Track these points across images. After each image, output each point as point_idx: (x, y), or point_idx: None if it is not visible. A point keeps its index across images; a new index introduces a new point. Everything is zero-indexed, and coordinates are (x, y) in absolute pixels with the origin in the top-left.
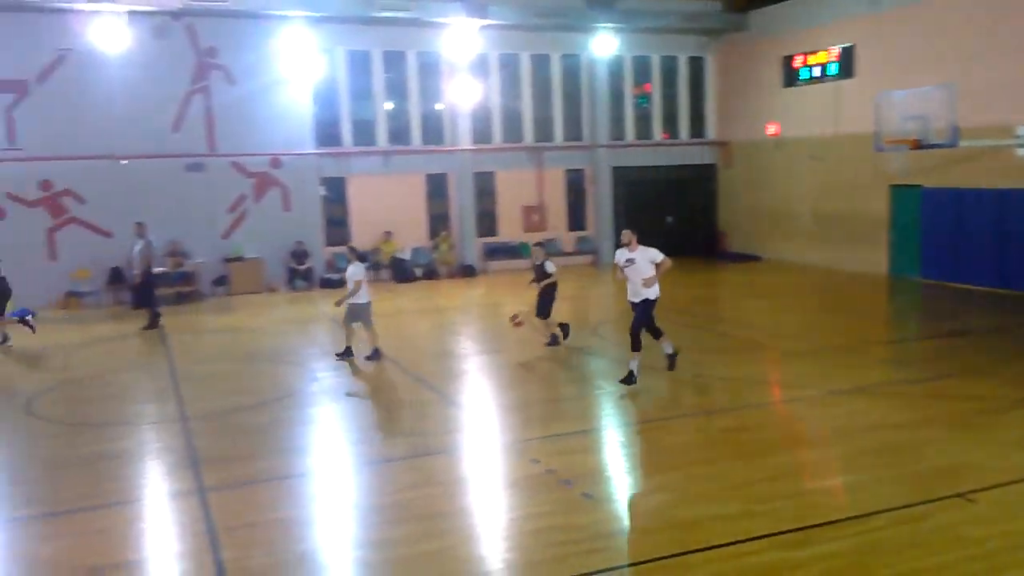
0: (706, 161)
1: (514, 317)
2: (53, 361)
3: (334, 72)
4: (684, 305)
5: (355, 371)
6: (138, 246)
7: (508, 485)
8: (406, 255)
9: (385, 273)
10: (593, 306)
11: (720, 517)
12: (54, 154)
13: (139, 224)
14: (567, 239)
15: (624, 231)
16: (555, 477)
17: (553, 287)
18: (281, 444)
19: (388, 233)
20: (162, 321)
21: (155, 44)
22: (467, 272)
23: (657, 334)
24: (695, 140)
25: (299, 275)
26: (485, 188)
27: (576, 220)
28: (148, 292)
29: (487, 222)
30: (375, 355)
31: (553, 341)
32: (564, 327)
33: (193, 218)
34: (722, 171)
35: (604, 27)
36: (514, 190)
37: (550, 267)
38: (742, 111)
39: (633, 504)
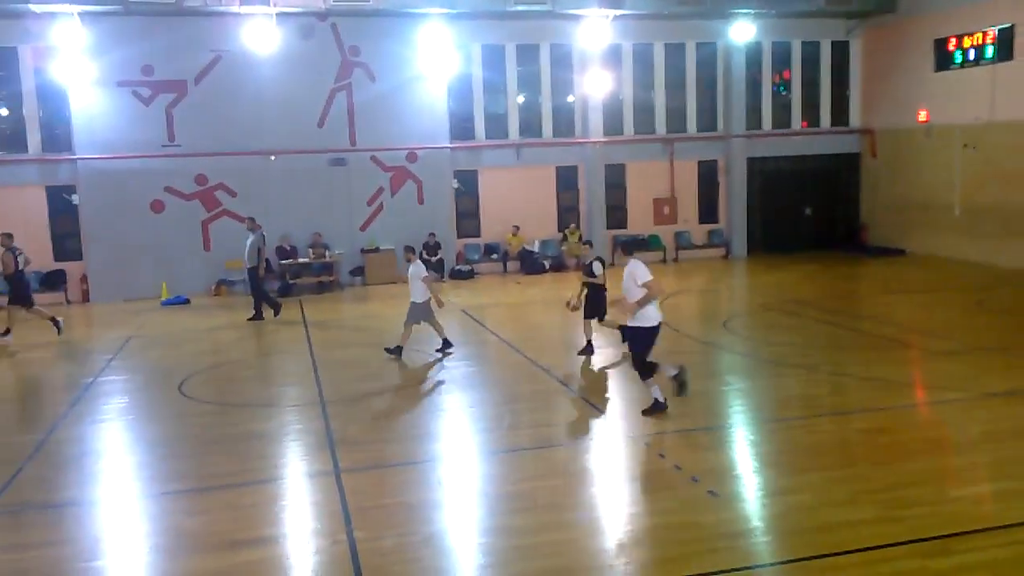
0: (848, 150)
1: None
2: (203, 345)
3: (468, 67)
4: (822, 300)
5: (483, 362)
6: (250, 240)
7: (632, 479)
8: (535, 247)
9: (513, 265)
10: (724, 300)
11: (855, 522)
12: (208, 150)
13: (251, 219)
14: (698, 232)
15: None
16: (681, 473)
17: (600, 289)
18: (411, 430)
19: (516, 228)
20: (274, 314)
21: (302, 44)
22: None
23: (645, 372)
24: (837, 128)
25: (431, 267)
26: (615, 180)
27: (708, 212)
28: (257, 284)
29: (617, 214)
30: (446, 345)
31: (587, 349)
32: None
33: (334, 211)
34: (866, 160)
35: (743, 13)
36: (645, 182)
37: (597, 268)
38: (889, 97)
39: (762, 505)
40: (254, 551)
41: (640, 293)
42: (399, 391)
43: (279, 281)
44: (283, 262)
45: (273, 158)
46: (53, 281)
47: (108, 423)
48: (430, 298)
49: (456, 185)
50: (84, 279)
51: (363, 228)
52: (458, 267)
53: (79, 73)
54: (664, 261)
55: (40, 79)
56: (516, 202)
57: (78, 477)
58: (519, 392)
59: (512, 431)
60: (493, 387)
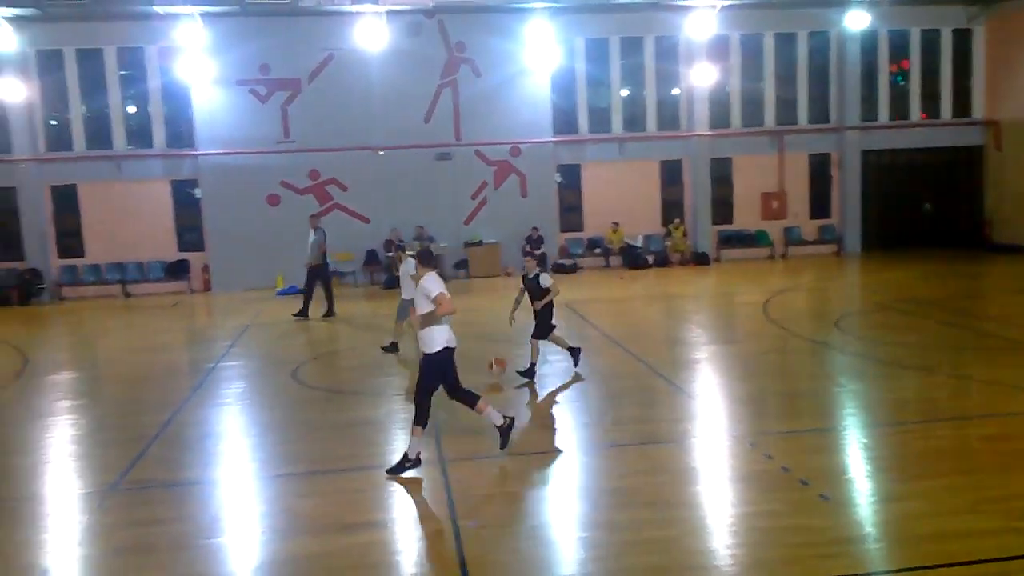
0: (971, 142)
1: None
2: (315, 334)
3: (572, 61)
4: (942, 299)
5: (584, 356)
6: (312, 237)
7: (738, 479)
8: (638, 242)
9: (615, 260)
10: (835, 298)
11: (975, 532)
12: (321, 146)
13: (313, 216)
14: (808, 227)
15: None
16: (790, 475)
17: (550, 305)
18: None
19: (616, 224)
20: (327, 313)
21: (409, 41)
22: (700, 260)
23: (469, 399)
24: (959, 120)
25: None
26: (722, 174)
27: (819, 207)
28: (313, 281)
29: (723, 209)
30: (393, 348)
31: (530, 372)
32: (574, 352)
33: (438, 205)
34: (990, 153)
35: (858, 1)
36: (752, 176)
37: (545, 281)
38: (1015, 87)
39: (876, 510)
40: (363, 534)
41: (425, 306)
42: (502, 384)
43: (387, 273)
44: (390, 255)
45: (381, 153)
46: (177, 271)
47: (227, 407)
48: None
49: (559, 179)
50: (206, 269)
51: (467, 222)
52: (560, 261)
53: (201, 72)
54: (771, 257)
55: (165, 78)
56: (619, 196)
57: (199, 457)
58: (622, 387)
59: (615, 426)
60: (595, 382)
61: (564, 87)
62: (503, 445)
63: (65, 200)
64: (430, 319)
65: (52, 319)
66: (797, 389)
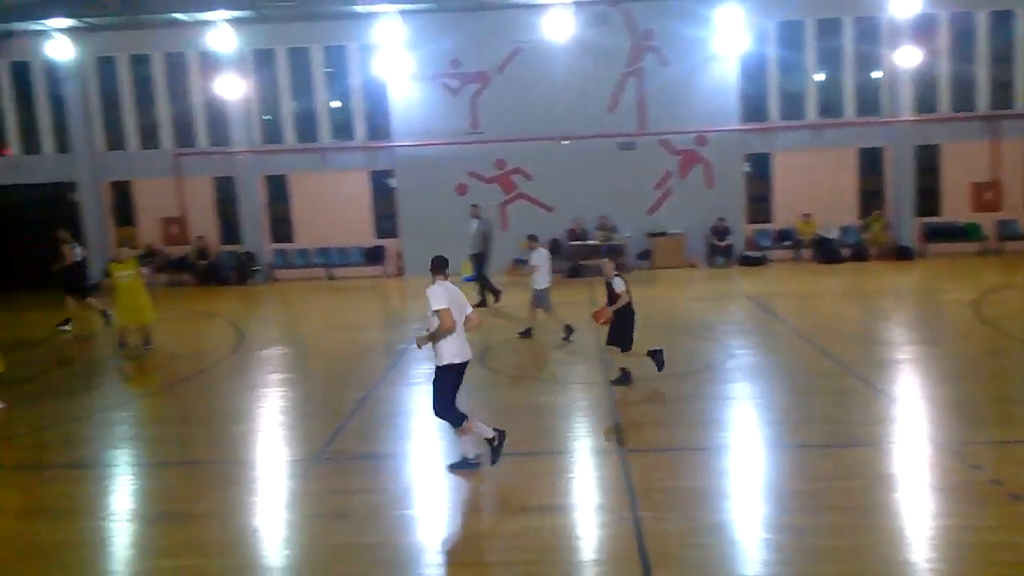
0: None
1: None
2: (500, 319)
3: (762, 45)
4: None
5: (771, 352)
6: (474, 226)
7: (940, 489)
8: (832, 234)
9: (806, 253)
10: None
11: None
12: (507, 136)
13: (475, 206)
14: None
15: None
16: (1001, 489)
17: (625, 310)
18: (696, 416)
19: (807, 215)
20: (495, 300)
21: (595, 31)
22: (902, 254)
23: (449, 420)
24: None
25: (719, 252)
26: (928, 162)
27: None
28: (481, 269)
29: (928, 200)
30: (567, 333)
31: (624, 378)
32: (656, 355)
33: (622, 194)
34: None
35: None
36: (963, 164)
37: (619, 285)
38: None
39: None
40: (542, 518)
41: (435, 323)
42: (685, 377)
43: (568, 263)
44: (573, 244)
45: (565, 143)
46: (374, 256)
47: (417, 386)
48: (548, 287)
49: (747, 168)
50: (399, 255)
51: (651, 212)
52: (747, 253)
53: (397, 67)
54: (984, 252)
55: (365, 74)
56: (812, 186)
57: (392, 433)
58: (811, 385)
59: (803, 426)
60: (782, 378)
61: (754, 73)
62: (494, 461)
63: (277, 189)
64: (436, 335)
65: (265, 298)
66: (1011, 396)
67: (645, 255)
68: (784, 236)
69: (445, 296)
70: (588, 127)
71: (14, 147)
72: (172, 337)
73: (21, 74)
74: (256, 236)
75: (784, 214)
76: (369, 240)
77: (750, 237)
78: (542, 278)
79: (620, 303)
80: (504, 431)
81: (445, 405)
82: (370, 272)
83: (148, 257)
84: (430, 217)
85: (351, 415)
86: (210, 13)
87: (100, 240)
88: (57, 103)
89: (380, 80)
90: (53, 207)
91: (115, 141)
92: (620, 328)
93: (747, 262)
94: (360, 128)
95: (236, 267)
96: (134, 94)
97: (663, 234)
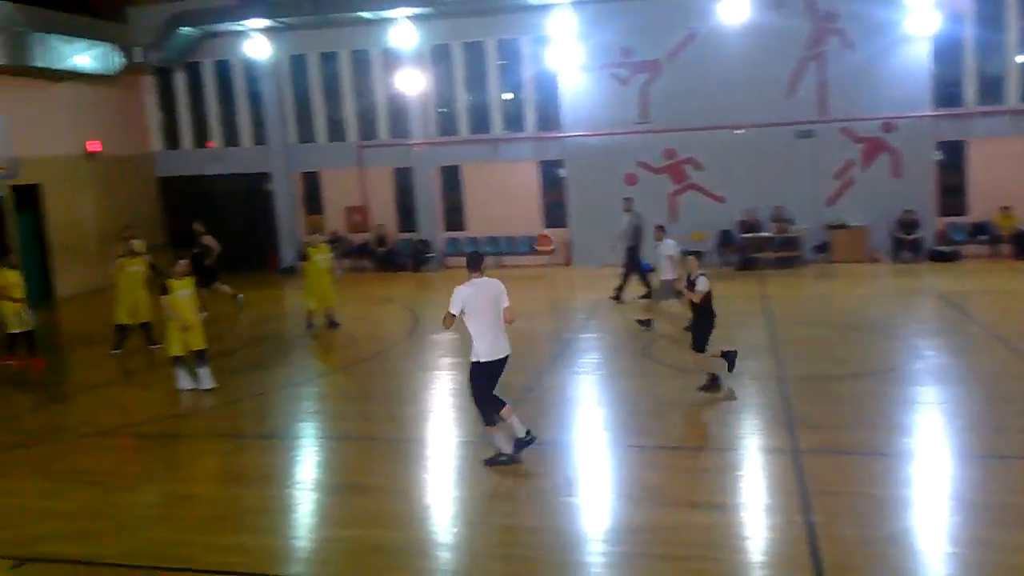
0: None
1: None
2: (666, 312)
3: (958, 25)
4: None
5: (963, 354)
6: (626, 220)
7: None
8: None
9: (1005, 249)
10: None
11: None
12: (677, 126)
13: (627, 199)
14: None
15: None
16: None
17: (704, 311)
18: (878, 418)
19: (1006, 208)
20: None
21: (772, 15)
22: None
23: (482, 415)
24: None
25: (905, 246)
26: None
27: None
28: (634, 263)
29: None
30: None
31: (713, 384)
32: (728, 355)
33: (798, 184)
34: None
35: None
36: None
37: (702, 284)
38: None
39: None
40: (709, 515)
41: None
42: (866, 377)
43: (739, 255)
44: (745, 236)
45: (739, 132)
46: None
47: (583, 376)
48: (673, 278)
49: (938, 157)
50: (568, 245)
51: (830, 203)
52: (938, 248)
53: (568, 59)
54: None
55: (536, 66)
56: (1012, 176)
57: (557, 420)
58: (1006, 391)
59: (996, 435)
60: (975, 383)
61: (947, 54)
62: (515, 458)
63: (451, 179)
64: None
65: (437, 285)
66: None
67: (822, 248)
68: (980, 230)
69: (462, 298)
70: (763, 115)
71: (217, 140)
72: (353, 320)
73: (223, 72)
74: (431, 224)
75: (980, 206)
76: (537, 230)
77: (941, 231)
78: (670, 269)
79: (697, 300)
80: (533, 437)
81: (481, 398)
82: (538, 261)
83: (333, 243)
84: (599, 207)
85: (518, 400)
86: (393, 11)
87: (290, 226)
88: (255, 99)
89: (551, 71)
90: (250, 196)
91: (305, 134)
92: (697, 329)
93: (937, 257)
94: (531, 119)
95: (412, 254)
96: (323, 90)
97: (843, 226)
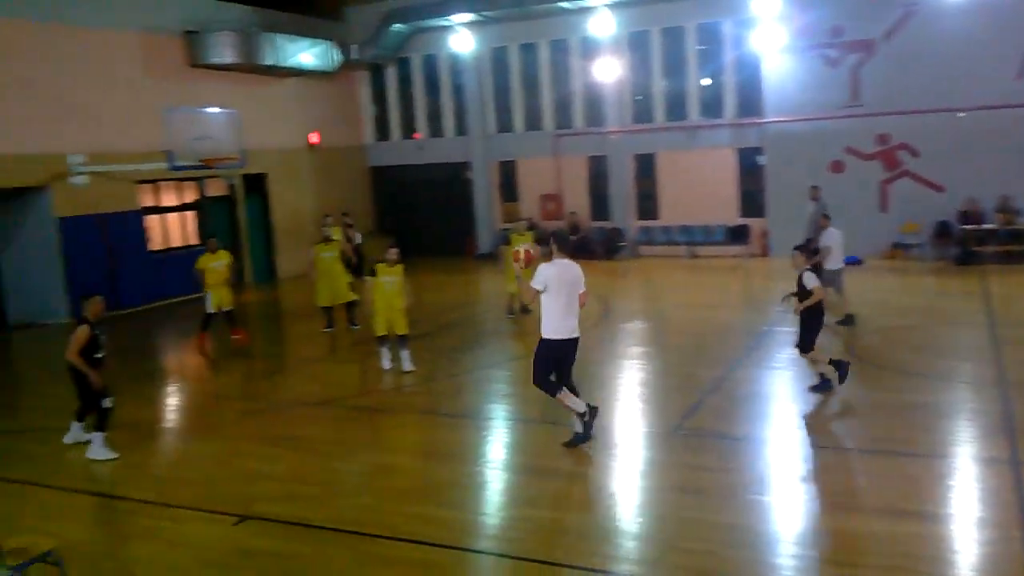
0: None
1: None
2: (873, 308)
3: None
4: None
5: None
6: (811, 209)
7: None
8: None
9: None
10: None
11: None
12: (892, 109)
13: (815, 187)
14: None
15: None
16: None
17: (814, 310)
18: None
19: None
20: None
21: None
22: None
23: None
24: None
25: None
26: None
27: None
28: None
29: None
30: (847, 321)
31: (822, 385)
32: (840, 365)
33: None
34: None
35: None
36: None
37: (809, 280)
38: None
39: None
40: (915, 524)
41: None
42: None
43: (959, 248)
44: (965, 227)
45: (962, 115)
46: (737, 235)
47: (780, 371)
48: (842, 267)
49: None
50: (764, 234)
51: None
52: None
53: (772, 40)
54: None
55: (738, 50)
56: None
57: (750, 415)
58: None
59: None
60: None
61: None
62: (585, 438)
63: (645, 167)
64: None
65: (629, 273)
66: None
67: None
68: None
69: (545, 277)
70: (989, 96)
71: (423, 131)
72: None
73: (429, 66)
74: (624, 213)
75: None
76: (733, 219)
77: None
78: (835, 258)
79: (811, 301)
80: (595, 408)
81: (538, 375)
82: (733, 251)
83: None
84: (799, 196)
85: (709, 392)
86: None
87: (487, 214)
88: (457, 91)
89: (753, 55)
90: (450, 184)
91: (504, 124)
92: (804, 328)
93: None
94: (729, 105)
95: (604, 242)
96: (522, 80)
97: None
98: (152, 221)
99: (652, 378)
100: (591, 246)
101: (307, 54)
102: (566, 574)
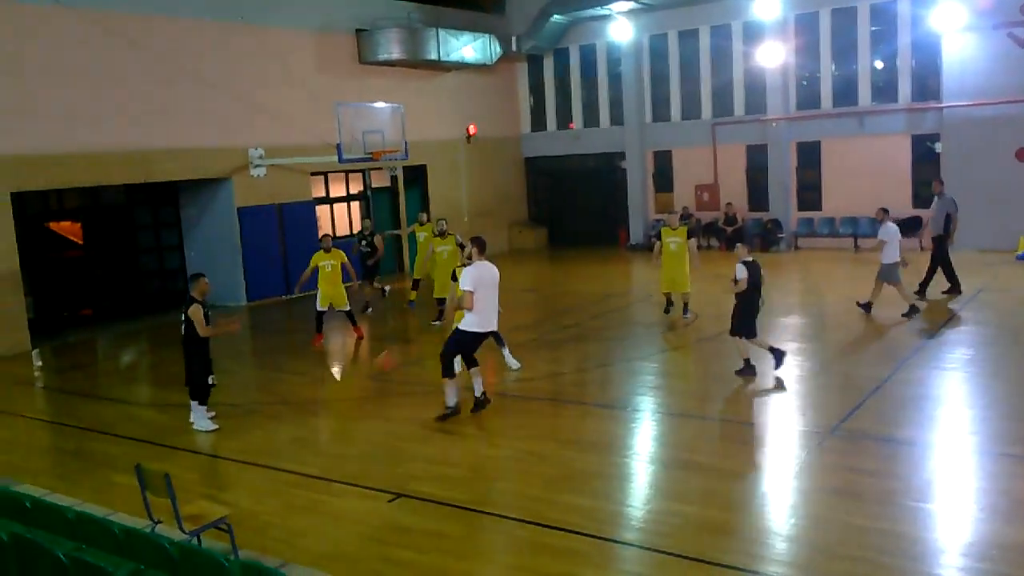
0: None
1: None
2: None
3: None
4: None
5: None
6: (934, 204)
7: None
8: None
9: None
10: None
11: None
12: None
13: (938, 181)
14: None
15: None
16: None
17: (745, 295)
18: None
19: None
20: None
21: None
22: None
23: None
24: None
25: None
26: None
27: None
28: (941, 254)
29: None
30: (911, 312)
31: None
32: (777, 353)
33: None
34: None
35: None
36: None
37: (739, 272)
38: None
39: None
40: None
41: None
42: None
43: None
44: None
45: None
46: (909, 227)
47: (950, 372)
48: (897, 261)
49: None
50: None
51: None
52: None
53: (954, 20)
54: None
55: (915, 31)
56: None
57: (915, 418)
58: None
59: None
60: None
61: None
62: (455, 413)
63: (808, 156)
64: (451, 307)
65: (787, 266)
66: None
67: None
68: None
69: (472, 278)
70: None
71: (578, 121)
72: (697, 298)
73: (586, 56)
74: (783, 203)
75: None
76: (905, 210)
77: None
78: (890, 252)
79: (736, 289)
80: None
81: (446, 353)
82: (904, 244)
83: (684, 220)
84: (979, 185)
85: (871, 393)
86: None
87: (641, 204)
88: (614, 81)
89: (933, 35)
90: (604, 174)
91: (660, 113)
92: (737, 314)
93: None
94: (904, 89)
95: (761, 234)
96: (679, 68)
97: None
98: (322, 211)
99: (808, 375)
100: (746, 238)
101: (469, 48)
102: (712, 571)
